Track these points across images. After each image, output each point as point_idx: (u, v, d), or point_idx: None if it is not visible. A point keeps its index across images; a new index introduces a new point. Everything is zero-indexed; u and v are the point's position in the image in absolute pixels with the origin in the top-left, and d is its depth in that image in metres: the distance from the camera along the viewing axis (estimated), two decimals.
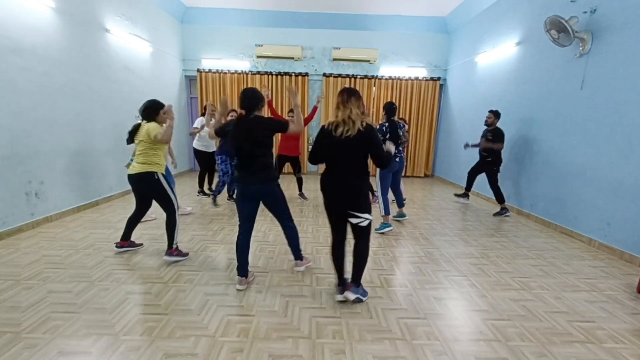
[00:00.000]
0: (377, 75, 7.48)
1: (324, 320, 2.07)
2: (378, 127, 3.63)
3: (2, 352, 1.70)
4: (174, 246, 2.85)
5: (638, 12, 3.18)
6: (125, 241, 3.01)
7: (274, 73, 7.37)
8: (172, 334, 1.89)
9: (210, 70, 7.35)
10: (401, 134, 3.83)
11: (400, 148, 3.98)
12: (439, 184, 7.29)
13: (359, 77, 7.45)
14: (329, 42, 7.33)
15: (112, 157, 4.83)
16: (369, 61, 7.34)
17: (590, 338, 1.97)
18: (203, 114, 5.00)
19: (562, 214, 4.00)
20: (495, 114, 4.66)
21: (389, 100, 7.47)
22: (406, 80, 7.50)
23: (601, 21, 3.54)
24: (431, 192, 6.30)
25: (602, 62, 3.54)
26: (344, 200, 2.16)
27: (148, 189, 2.81)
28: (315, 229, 3.85)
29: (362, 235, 2.21)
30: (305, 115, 5.39)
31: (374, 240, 3.12)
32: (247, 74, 7.37)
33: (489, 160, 4.69)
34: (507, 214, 4.60)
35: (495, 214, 4.63)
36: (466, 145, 5.10)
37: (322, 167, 2.33)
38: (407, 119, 7.64)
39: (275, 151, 4.48)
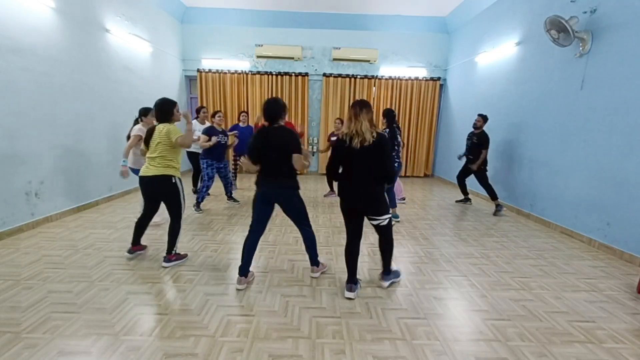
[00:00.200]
0: (377, 75, 7.47)
1: (324, 320, 2.07)
2: None
3: (2, 352, 1.70)
4: (173, 252, 2.80)
5: (638, 12, 3.19)
6: (136, 246, 2.97)
7: (274, 73, 7.36)
8: (172, 334, 1.89)
9: (210, 70, 7.34)
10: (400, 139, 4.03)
11: (399, 153, 4.12)
12: (438, 184, 7.29)
13: (359, 77, 7.44)
14: (329, 42, 7.33)
15: (112, 157, 4.83)
16: (369, 61, 7.33)
17: (590, 338, 1.97)
18: (196, 117, 5.08)
19: (562, 214, 4.00)
20: (484, 118, 4.81)
21: (388, 100, 7.52)
22: (406, 80, 7.49)
23: (601, 21, 3.54)
24: (431, 192, 6.30)
25: (602, 62, 3.54)
26: (364, 206, 2.29)
27: (164, 192, 2.75)
28: (315, 228, 3.82)
29: (384, 231, 2.38)
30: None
31: (374, 240, 3.12)
32: (247, 74, 7.37)
33: (473, 160, 4.85)
34: (502, 210, 4.71)
35: (495, 214, 4.66)
36: (460, 157, 5.23)
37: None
38: (407, 119, 7.68)
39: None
